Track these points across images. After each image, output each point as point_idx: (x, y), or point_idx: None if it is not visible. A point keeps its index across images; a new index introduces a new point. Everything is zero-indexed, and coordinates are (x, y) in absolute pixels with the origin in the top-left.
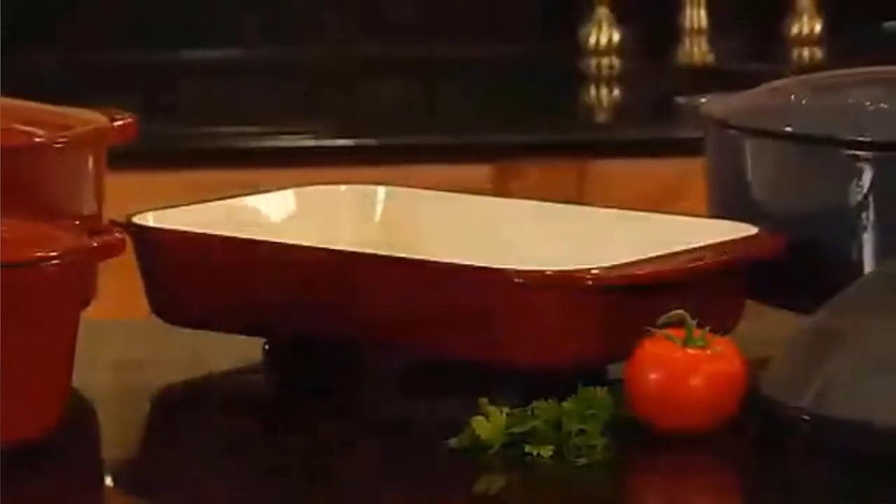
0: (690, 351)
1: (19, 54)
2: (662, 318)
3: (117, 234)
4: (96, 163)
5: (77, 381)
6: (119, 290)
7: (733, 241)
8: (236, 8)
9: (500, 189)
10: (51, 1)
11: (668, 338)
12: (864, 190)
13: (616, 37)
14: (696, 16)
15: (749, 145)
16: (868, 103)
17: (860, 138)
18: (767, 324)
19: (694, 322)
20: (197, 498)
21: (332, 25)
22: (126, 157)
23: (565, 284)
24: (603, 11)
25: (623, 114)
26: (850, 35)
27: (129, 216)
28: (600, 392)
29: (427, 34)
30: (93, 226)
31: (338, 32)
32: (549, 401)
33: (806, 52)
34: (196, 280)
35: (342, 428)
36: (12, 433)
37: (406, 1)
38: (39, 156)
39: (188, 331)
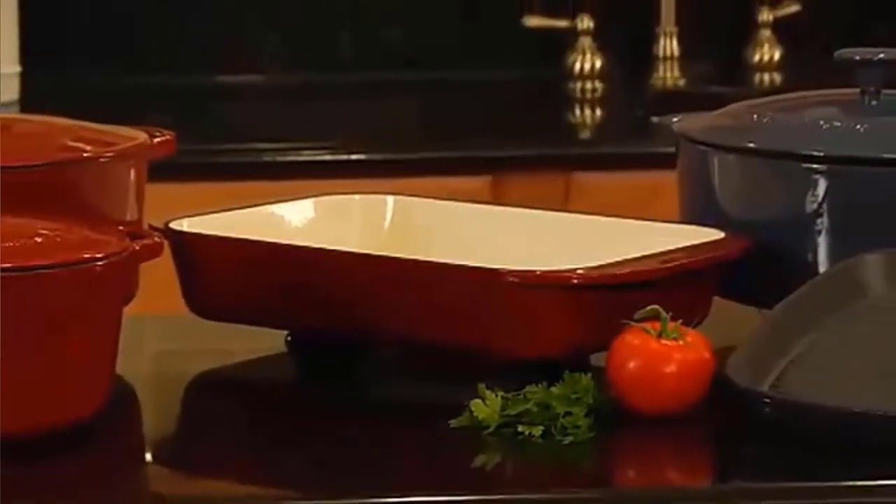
0: (664, 342)
1: (70, 79)
2: (639, 313)
3: (156, 238)
4: (138, 175)
5: (120, 368)
6: (157, 288)
7: (702, 245)
8: (262, 40)
9: (496, 198)
10: (98, 31)
11: (645, 330)
12: (819, 199)
13: (598, 63)
14: (669, 45)
15: (716, 159)
16: (822, 122)
17: (815, 153)
18: (733, 318)
19: (667, 316)
20: (226, 468)
21: (346, 54)
22: (165, 170)
23: (554, 283)
24: (586, 41)
25: (604, 131)
26: (805, 62)
27: (167, 222)
28: (585, 378)
29: (431, 61)
30: (135, 230)
31: (350, 60)
32: (540, 386)
33: (766, 77)
34: (226, 279)
35: (355, 409)
36: (66, 413)
37: (412, 32)
38: (88, 169)
39: (219, 324)
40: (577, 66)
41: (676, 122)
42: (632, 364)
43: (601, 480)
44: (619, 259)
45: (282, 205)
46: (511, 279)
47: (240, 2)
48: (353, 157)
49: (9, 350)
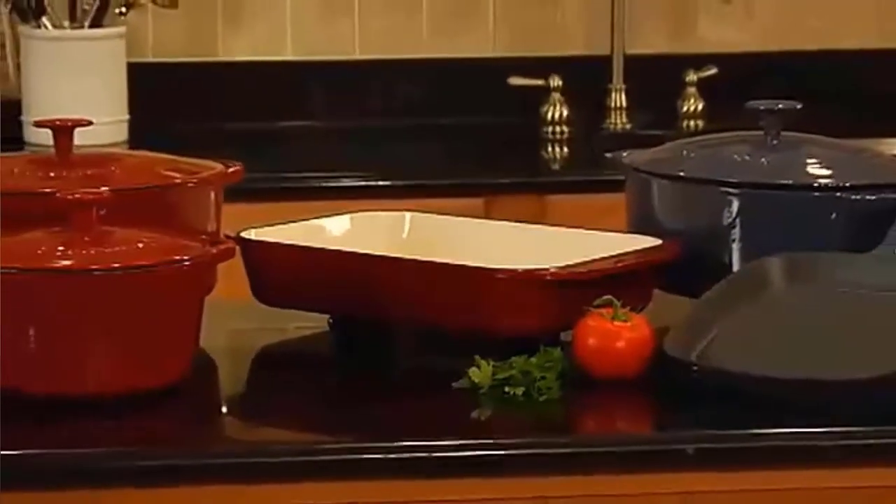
0: (616, 323)
1: (165, 124)
2: (597, 301)
3: (230, 245)
4: (216, 196)
5: (202, 342)
6: (231, 282)
7: (644, 250)
8: (311, 95)
9: (487, 215)
10: (185, 89)
11: (601, 315)
12: (733, 215)
13: (565, 112)
14: (619, 98)
15: (655, 185)
16: (735, 156)
17: (730, 180)
18: (668, 306)
19: (618, 304)
20: (283, 420)
21: (374, 105)
22: (236, 193)
23: (533, 279)
24: (556, 95)
25: (570, 164)
26: (722, 111)
27: (239, 232)
28: (556, 351)
29: (439, 111)
30: (214, 238)
31: (378, 110)
32: (521, 357)
33: (692, 123)
34: (283, 275)
35: (380, 374)
36: (161, 377)
37: (426, 89)
38: (178, 192)
39: (277, 309)
40: (549, 115)
41: (625, 156)
42: (591, 340)
43: (568, 429)
44: (582, 261)
45: (325, 219)
46: (500, 276)
47: (294, 67)
48: (380, 183)
49: (117, 331)
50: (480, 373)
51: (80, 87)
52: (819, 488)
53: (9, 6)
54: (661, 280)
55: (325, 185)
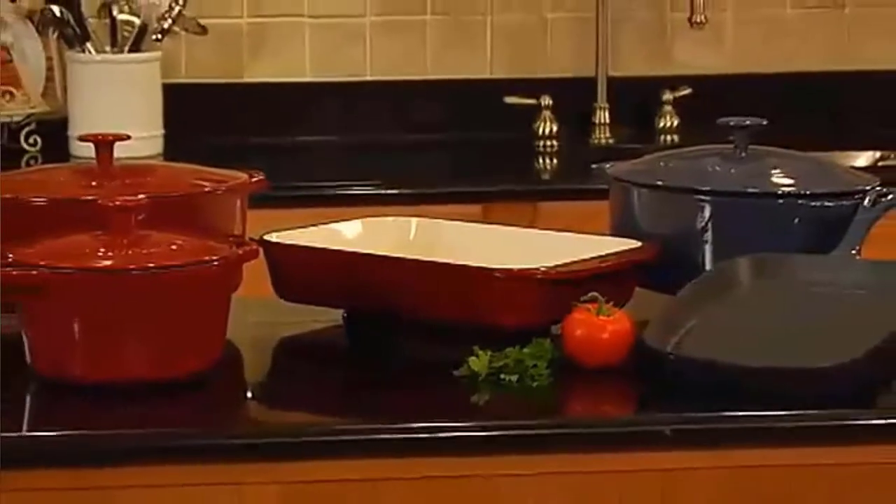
0: (601, 317)
1: (196, 138)
2: (584, 297)
3: (254, 246)
4: (241, 203)
5: (229, 334)
6: (255, 280)
7: (626, 251)
8: (326, 112)
9: (485, 219)
10: (214, 107)
11: (587, 309)
12: (705, 220)
13: (555, 128)
14: (603, 116)
15: (635, 192)
16: (707, 167)
17: (702, 188)
18: (647, 301)
19: (602, 300)
20: (301, 404)
21: (383, 121)
22: (259, 200)
23: (525, 277)
24: (547, 113)
25: (559, 174)
26: (696, 127)
27: (262, 235)
28: (546, 342)
29: (439, 126)
30: (239, 241)
31: (387, 126)
32: (515, 348)
33: (669, 138)
34: (302, 274)
35: (388, 363)
36: (194, 364)
37: (431, 107)
38: (207, 199)
39: (296, 305)
40: (541, 130)
41: (608, 167)
42: (578, 332)
43: (557, 411)
44: (570, 261)
45: (339, 224)
46: (497, 275)
47: (311, 87)
48: (388, 191)
49: (153, 324)
50: (479, 362)
51: (119, 105)
52: (779, 465)
53: (56, 33)
54: (640, 278)
55: (339, 192)
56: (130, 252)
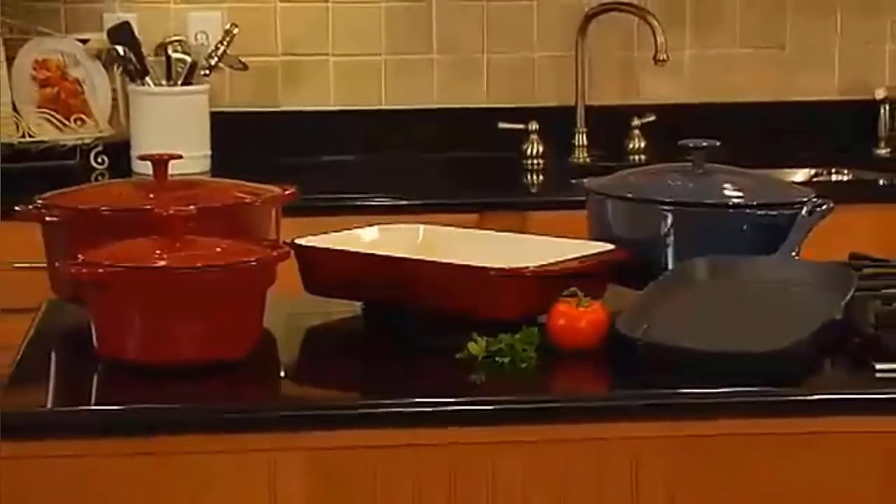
0: (580, 309)
1: (238, 158)
2: (565, 292)
3: (286, 249)
4: (276, 212)
5: (265, 323)
6: (287, 278)
7: (601, 253)
8: (346, 135)
9: (481, 226)
10: (253, 132)
11: (568, 302)
12: (668, 227)
13: (541, 149)
14: (581, 139)
15: (609, 203)
16: (669, 182)
17: (665, 199)
18: (619, 295)
19: (581, 294)
20: (327, 381)
21: (396, 143)
22: (291, 210)
23: (516, 275)
24: (534, 136)
25: (544, 188)
26: (660, 148)
27: (293, 239)
28: (534, 330)
29: (442, 147)
30: (274, 244)
31: (399, 146)
32: (508, 334)
33: (637, 157)
34: (328, 272)
35: (400, 349)
36: (235, 351)
37: (432, 130)
38: (247, 209)
39: (322, 298)
40: (528, 151)
41: (586, 182)
42: (561, 321)
43: (543, 388)
44: (554, 261)
45: (359, 230)
46: (492, 273)
47: (335, 115)
48: (400, 202)
49: (200, 314)
50: (477, 346)
51: (173, 129)
52: (731, 434)
53: (120, 69)
54: (614, 276)
55: (358, 203)
56: (182, 254)
